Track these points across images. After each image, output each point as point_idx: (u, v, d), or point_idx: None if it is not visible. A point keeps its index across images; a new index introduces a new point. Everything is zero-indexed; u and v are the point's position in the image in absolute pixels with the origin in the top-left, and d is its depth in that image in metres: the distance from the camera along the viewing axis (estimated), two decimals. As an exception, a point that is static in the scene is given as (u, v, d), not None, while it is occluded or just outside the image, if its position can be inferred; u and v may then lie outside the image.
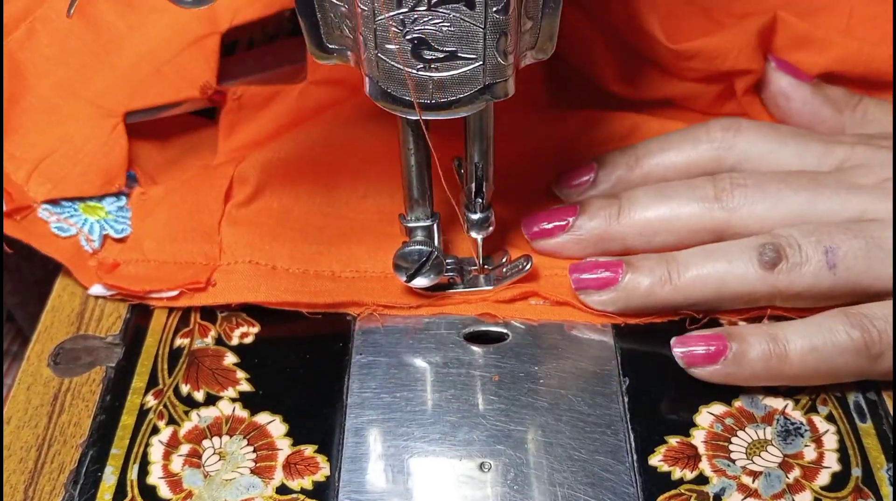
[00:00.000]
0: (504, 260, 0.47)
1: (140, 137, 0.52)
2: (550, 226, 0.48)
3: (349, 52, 0.39)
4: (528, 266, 0.46)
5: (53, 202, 0.49)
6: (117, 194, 0.50)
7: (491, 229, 0.45)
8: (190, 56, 0.52)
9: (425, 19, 0.36)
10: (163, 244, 0.49)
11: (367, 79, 0.38)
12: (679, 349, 0.43)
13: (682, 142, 0.49)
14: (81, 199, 0.50)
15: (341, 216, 0.51)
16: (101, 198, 0.50)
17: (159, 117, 0.52)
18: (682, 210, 0.46)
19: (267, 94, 0.53)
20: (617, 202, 0.47)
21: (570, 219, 0.47)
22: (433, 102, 0.38)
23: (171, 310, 0.47)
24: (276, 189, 0.50)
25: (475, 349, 0.45)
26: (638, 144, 0.51)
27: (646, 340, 0.45)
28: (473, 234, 0.46)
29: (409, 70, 0.37)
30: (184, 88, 0.52)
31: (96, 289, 0.47)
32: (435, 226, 0.45)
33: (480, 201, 0.44)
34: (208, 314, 0.47)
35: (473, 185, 0.44)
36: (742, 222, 0.45)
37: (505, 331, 0.46)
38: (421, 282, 0.45)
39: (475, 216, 0.45)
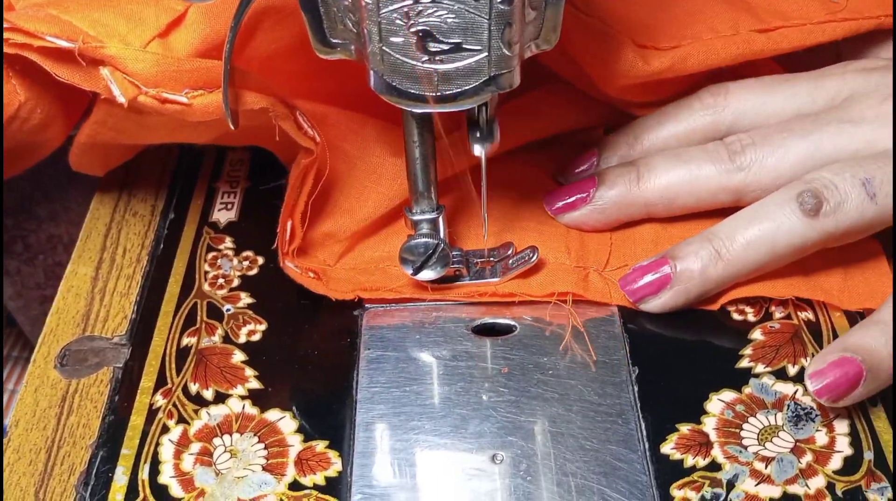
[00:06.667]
0: (510, 251, 0.47)
1: None
2: (573, 199, 0.48)
3: (352, 47, 0.39)
4: (534, 257, 0.46)
5: None
6: None
7: (496, 144, 0.43)
8: None
9: (430, 11, 0.36)
10: None
11: (371, 73, 0.38)
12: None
13: (677, 112, 0.50)
14: None
15: None
16: None
17: None
18: (701, 172, 0.47)
19: None
20: (635, 169, 0.48)
21: (591, 190, 0.48)
22: (438, 94, 0.38)
23: (177, 309, 0.47)
24: None
25: (483, 341, 0.45)
26: (633, 122, 0.51)
27: (654, 327, 0.45)
28: (477, 148, 0.43)
29: (415, 63, 0.37)
30: None
31: None
32: (440, 218, 0.45)
33: (485, 109, 0.42)
34: (215, 312, 0.47)
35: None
36: (757, 178, 0.46)
37: (513, 323, 0.46)
38: (427, 275, 0.45)
39: (478, 130, 0.42)
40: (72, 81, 0.42)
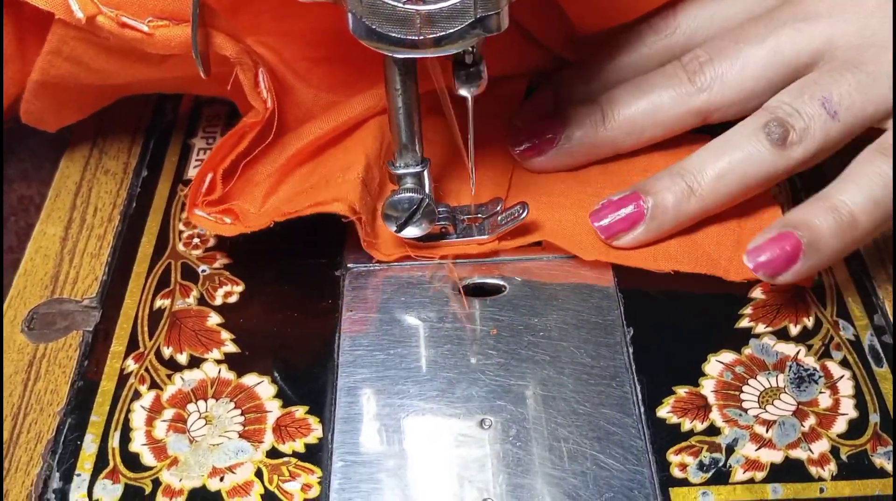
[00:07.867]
0: (499, 208, 0.45)
1: None
2: (539, 142, 0.47)
3: (330, -12, 0.37)
4: (524, 214, 0.44)
5: None
6: None
7: (483, 84, 0.40)
8: None
9: (411, -54, 0.33)
10: None
11: (349, 15, 0.36)
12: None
13: (629, 43, 0.48)
14: None
15: None
16: None
17: None
18: (663, 100, 0.45)
19: None
20: (599, 107, 0.46)
21: (557, 133, 0.46)
22: (421, 38, 0.36)
23: (150, 270, 0.45)
24: None
25: (471, 302, 0.43)
26: (587, 58, 0.49)
27: (650, 286, 0.43)
28: (463, 91, 0.40)
29: (396, 4, 0.34)
30: None
31: None
32: (425, 172, 0.43)
33: (473, 49, 0.39)
34: (190, 273, 0.45)
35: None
36: (720, 96, 0.45)
37: (502, 283, 0.44)
38: (412, 232, 0.43)
39: (465, 70, 0.39)
40: None
